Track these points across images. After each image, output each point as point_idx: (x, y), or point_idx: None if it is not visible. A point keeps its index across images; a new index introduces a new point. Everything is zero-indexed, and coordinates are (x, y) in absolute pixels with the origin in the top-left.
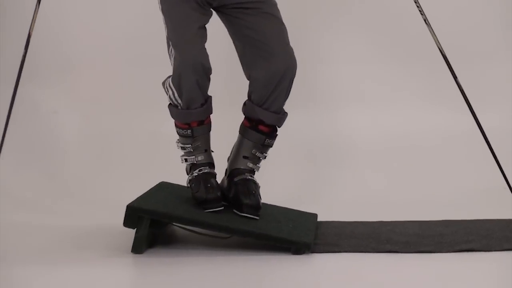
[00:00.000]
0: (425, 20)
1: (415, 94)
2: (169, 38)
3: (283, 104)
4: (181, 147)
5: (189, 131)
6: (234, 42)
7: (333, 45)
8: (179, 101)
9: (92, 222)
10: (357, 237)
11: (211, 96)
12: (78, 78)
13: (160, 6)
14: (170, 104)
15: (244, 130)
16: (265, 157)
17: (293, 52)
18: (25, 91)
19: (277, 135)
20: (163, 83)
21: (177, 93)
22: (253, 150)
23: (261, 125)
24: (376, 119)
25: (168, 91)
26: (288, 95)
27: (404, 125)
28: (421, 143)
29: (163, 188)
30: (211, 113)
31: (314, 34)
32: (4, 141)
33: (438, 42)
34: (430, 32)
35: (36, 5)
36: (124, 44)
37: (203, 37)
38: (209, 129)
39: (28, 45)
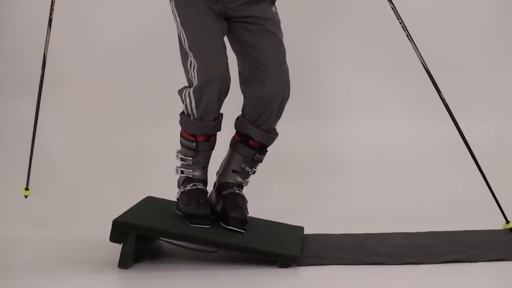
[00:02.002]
0: (407, 36)
1: (400, 107)
2: (190, 51)
3: (274, 124)
4: (181, 157)
5: (194, 144)
6: (236, 58)
7: (321, 59)
8: (194, 111)
9: (78, 237)
10: (343, 249)
11: (222, 114)
12: (63, 93)
13: (178, 20)
14: (183, 113)
15: (234, 144)
16: (254, 172)
17: (287, 74)
18: (10, 106)
19: (267, 151)
20: (180, 91)
21: (195, 103)
22: (243, 164)
23: (251, 140)
24: (361, 132)
25: (185, 99)
26: (280, 116)
27: (389, 137)
28: (406, 154)
29: (149, 202)
30: (219, 130)
31: (303, 47)
32: None
33: (421, 57)
34: (413, 47)
35: (48, 28)
36: (109, 58)
37: (225, 49)
38: (213, 147)
39: (44, 66)
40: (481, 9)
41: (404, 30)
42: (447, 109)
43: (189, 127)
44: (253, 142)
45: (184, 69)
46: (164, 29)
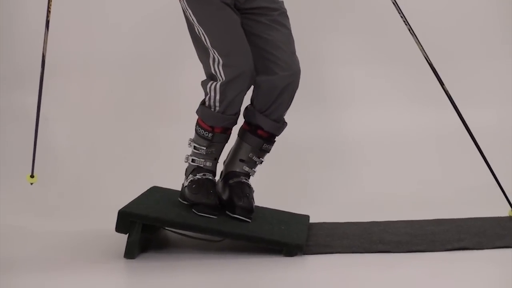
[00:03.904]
0: (409, 30)
1: (404, 96)
2: (213, 48)
3: (284, 113)
4: (194, 146)
5: (210, 134)
6: None
7: (325, 47)
8: (218, 104)
9: (85, 228)
10: (349, 237)
11: (240, 110)
12: (68, 84)
13: (194, 18)
14: (203, 103)
15: (243, 133)
16: (261, 162)
17: (298, 63)
18: (15, 97)
19: (275, 141)
20: (204, 84)
21: (219, 97)
22: (250, 153)
23: (260, 129)
24: (366, 121)
25: (210, 92)
26: (290, 105)
27: (394, 126)
28: (411, 143)
29: (154, 192)
30: (235, 124)
31: (307, 36)
32: None
33: (423, 50)
34: (415, 41)
35: (45, 29)
36: (115, 50)
37: (248, 44)
38: (227, 140)
39: (44, 65)
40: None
41: (406, 24)
42: (449, 98)
43: (210, 119)
44: (261, 132)
45: (203, 63)
46: (167, 20)
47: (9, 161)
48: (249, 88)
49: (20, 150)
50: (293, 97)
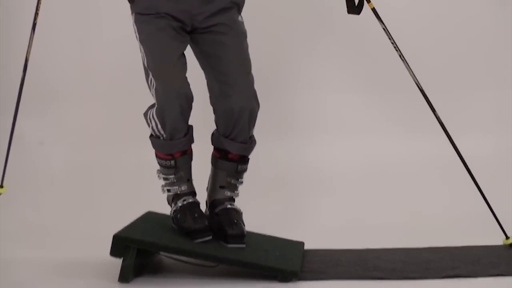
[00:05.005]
0: (400, 56)
1: (395, 122)
2: (148, 69)
3: (248, 135)
4: (163, 177)
5: (172, 161)
6: (204, 73)
7: (313, 73)
8: (162, 132)
9: (79, 252)
10: (344, 264)
11: (192, 126)
12: (64, 108)
13: (138, 36)
14: (151, 135)
15: (215, 161)
16: (241, 183)
17: (252, 85)
18: (10, 120)
19: (248, 159)
20: (145, 114)
21: (160, 125)
22: (228, 178)
23: (230, 153)
24: (357, 147)
25: (151, 122)
26: (253, 126)
27: (387, 152)
28: (404, 170)
29: (150, 217)
30: (193, 142)
31: (292, 62)
32: None
33: (414, 76)
34: (406, 68)
35: (31, 32)
36: (110, 75)
37: (184, 65)
38: (191, 159)
39: (26, 69)
40: (475, 23)
41: (397, 50)
42: (442, 126)
43: (162, 148)
44: (232, 156)
45: (148, 86)
46: None
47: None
48: (189, 110)
49: (10, 174)
50: (254, 118)
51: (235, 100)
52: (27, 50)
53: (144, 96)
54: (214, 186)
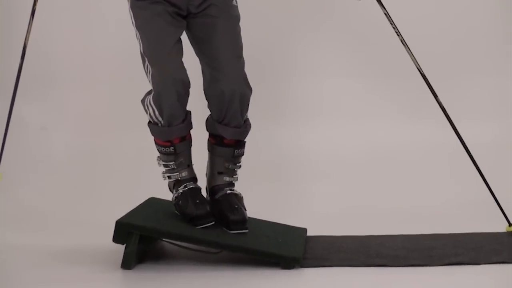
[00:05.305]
0: (401, 41)
1: (394, 108)
2: (144, 55)
3: (241, 119)
4: (163, 164)
5: (171, 148)
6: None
7: (312, 58)
8: (160, 119)
9: (82, 238)
10: (346, 251)
11: (190, 111)
12: (67, 94)
13: (134, 22)
14: (150, 122)
15: (211, 147)
16: (239, 167)
17: (242, 69)
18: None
19: (245, 142)
20: (143, 101)
21: (158, 111)
22: (226, 164)
23: (225, 139)
24: (361, 133)
25: (148, 109)
26: (246, 110)
27: (390, 138)
28: (408, 156)
29: (152, 204)
30: (192, 128)
31: (291, 46)
32: None
33: (416, 61)
34: (408, 53)
35: (30, 18)
36: (112, 60)
37: (180, 51)
38: (190, 144)
39: (24, 55)
40: (475, 11)
41: (398, 35)
42: (444, 112)
43: (161, 135)
44: (227, 141)
45: (144, 72)
46: None
47: (4, 170)
48: (186, 96)
49: (13, 160)
50: (246, 102)
51: (225, 84)
52: (26, 36)
53: (146, 82)
54: (212, 172)
